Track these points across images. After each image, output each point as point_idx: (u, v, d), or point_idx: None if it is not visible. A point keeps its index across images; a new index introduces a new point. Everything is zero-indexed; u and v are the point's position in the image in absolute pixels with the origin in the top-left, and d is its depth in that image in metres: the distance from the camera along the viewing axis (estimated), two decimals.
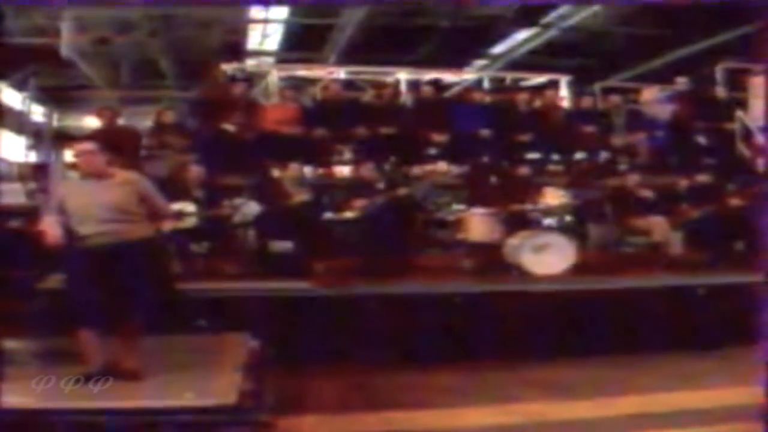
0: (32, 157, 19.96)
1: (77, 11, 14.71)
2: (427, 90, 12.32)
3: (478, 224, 9.68)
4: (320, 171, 11.69)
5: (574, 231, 9.80)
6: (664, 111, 12.21)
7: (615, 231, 10.32)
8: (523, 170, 10.97)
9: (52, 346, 6.16)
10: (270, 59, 19.14)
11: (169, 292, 6.16)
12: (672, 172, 11.20)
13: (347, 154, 11.54)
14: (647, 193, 10.32)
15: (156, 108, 13.15)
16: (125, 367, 5.51)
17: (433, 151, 11.41)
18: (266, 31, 18.14)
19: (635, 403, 6.60)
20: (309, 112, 11.57)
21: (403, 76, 15.14)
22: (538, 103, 12.37)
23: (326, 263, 8.98)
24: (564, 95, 15.11)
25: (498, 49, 19.51)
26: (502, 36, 18.55)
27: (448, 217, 10.51)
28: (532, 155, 11.67)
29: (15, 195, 11.41)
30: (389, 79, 14.83)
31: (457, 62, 18.89)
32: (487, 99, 12.30)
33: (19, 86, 19.21)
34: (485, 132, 11.28)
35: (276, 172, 10.29)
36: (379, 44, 17.14)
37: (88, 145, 5.87)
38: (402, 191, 9.99)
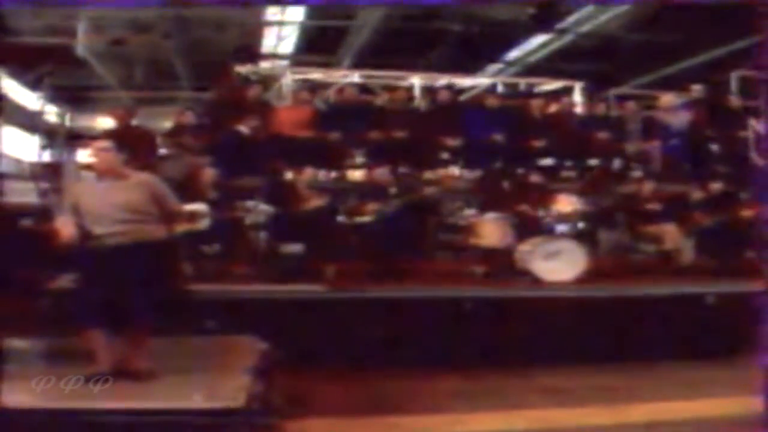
0: (45, 157, 20.00)
1: (93, 12, 14.76)
2: (444, 94, 12.32)
3: (490, 230, 9.68)
4: (333, 174, 11.68)
5: (586, 238, 9.77)
6: (679, 118, 12.17)
7: (627, 238, 10.31)
8: (536, 176, 10.98)
9: (62, 346, 6.17)
10: (284, 62, 19.17)
11: (179, 294, 6.17)
12: (685, 180, 11.17)
13: (360, 158, 11.55)
14: (659, 201, 10.30)
15: (170, 109, 13.17)
16: (134, 368, 5.53)
17: (446, 155, 11.43)
18: (281, 34, 18.17)
19: (643, 411, 6.57)
20: (323, 115, 11.60)
21: (416, 80, 15.12)
22: (552, 109, 12.35)
23: (337, 266, 9.00)
24: (578, 101, 15.07)
25: (512, 54, 19.48)
26: (516, 41, 18.53)
27: (460, 222, 10.47)
28: (545, 161, 11.64)
29: (27, 194, 11.43)
30: (403, 84, 14.84)
31: (471, 67, 18.84)
32: (501, 104, 12.25)
33: (33, 86, 19.25)
34: (498, 137, 11.26)
35: (289, 175, 10.30)
36: (393, 48, 17.12)
37: (104, 143, 5.91)
38: (415, 195, 10.01)
